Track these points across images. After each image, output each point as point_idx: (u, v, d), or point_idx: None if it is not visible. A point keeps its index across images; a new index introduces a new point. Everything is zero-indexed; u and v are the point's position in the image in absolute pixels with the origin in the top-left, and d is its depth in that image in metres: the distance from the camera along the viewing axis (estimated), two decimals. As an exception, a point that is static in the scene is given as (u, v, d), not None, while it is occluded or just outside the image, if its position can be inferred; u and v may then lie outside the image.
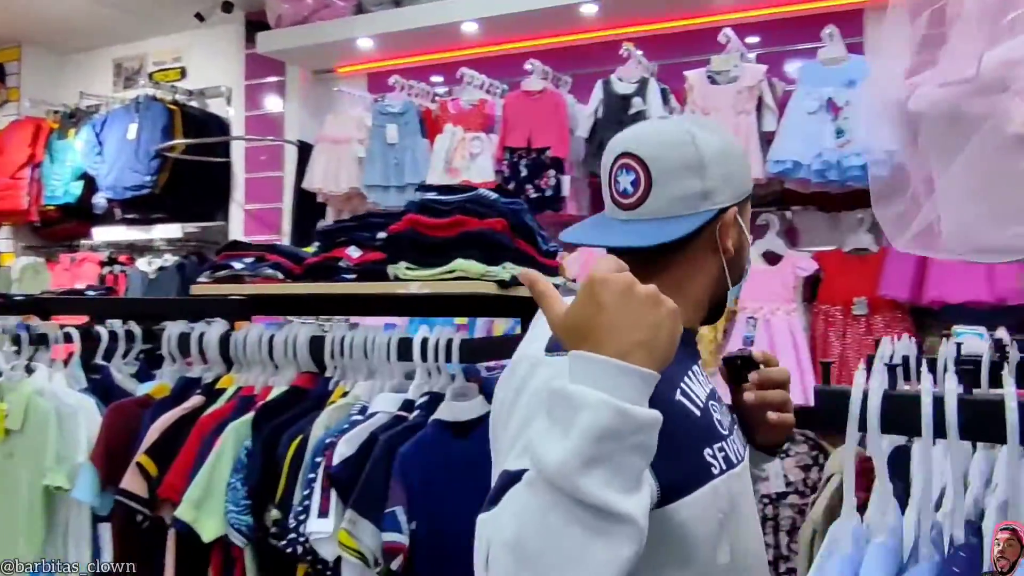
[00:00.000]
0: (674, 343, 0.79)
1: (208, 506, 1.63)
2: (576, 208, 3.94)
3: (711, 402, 1.04)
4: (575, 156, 3.92)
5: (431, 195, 1.85)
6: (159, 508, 1.72)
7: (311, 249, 2.08)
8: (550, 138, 3.84)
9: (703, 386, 1.05)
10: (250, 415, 1.70)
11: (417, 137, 4.16)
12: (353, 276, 1.94)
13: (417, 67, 4.49)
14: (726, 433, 1.03)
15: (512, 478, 0.79)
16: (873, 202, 1.59)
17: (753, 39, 3.79)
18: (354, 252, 1.96)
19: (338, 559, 1.50)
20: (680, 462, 0.92)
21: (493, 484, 0.85)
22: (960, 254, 0.98)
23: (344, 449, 1.51)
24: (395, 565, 1.43)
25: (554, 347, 0.93)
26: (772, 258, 3.56)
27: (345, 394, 1.70)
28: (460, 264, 1.72)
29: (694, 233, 1.04)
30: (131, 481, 1.71)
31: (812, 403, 1.22)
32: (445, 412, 1.57)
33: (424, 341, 1.64)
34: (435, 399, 1.61)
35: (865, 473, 0.97)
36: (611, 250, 1.03)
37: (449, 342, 1.61)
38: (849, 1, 3.69)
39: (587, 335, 0.77)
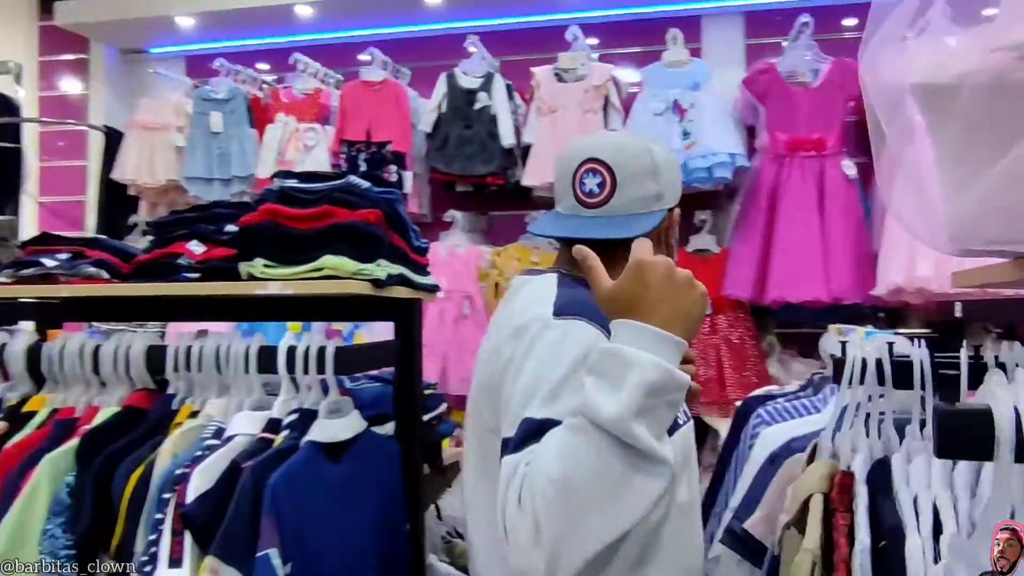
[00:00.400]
0: (701, 319, 0.94)
1: (17, 560, 1.31)
2: (417, 205, 3.77)
3: None
4: (416, 151, 3.75)
5: (291, 182, 1.62)
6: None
7: (144, 244, 1.78)
8: (391, 131, 3.64)
9: None
10: (73, 443, 1.39)
11: (244, 126, 3.81)
12: (196, 275, 1.67)
13: (243, 52, 4.13)
14: None
15: (539, 425, 0.95)
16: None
17: (592, 40, 3.77)
18: (196, 247, 1.69)
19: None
20: None
21: (513, 432, 0.99)
22: (965, 247, 0.90)
23: (200, 482, 1.25)
24: (267, 617, 1.21)
25: (561, 311, 1.11)
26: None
27: (194, 414, 1.44)
28: (329, 261, 1.51)
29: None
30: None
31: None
32: (319, 432, 1.35)
33: (291, 350, 1.41)
34: (306, 417, 1.39)
35: (844, 490, 0.89)
36: (580, 241, 1.12)
37: (322, 351, 1.40)
38: (688, 7, 3.78)
39: (633, 307, 0.92)
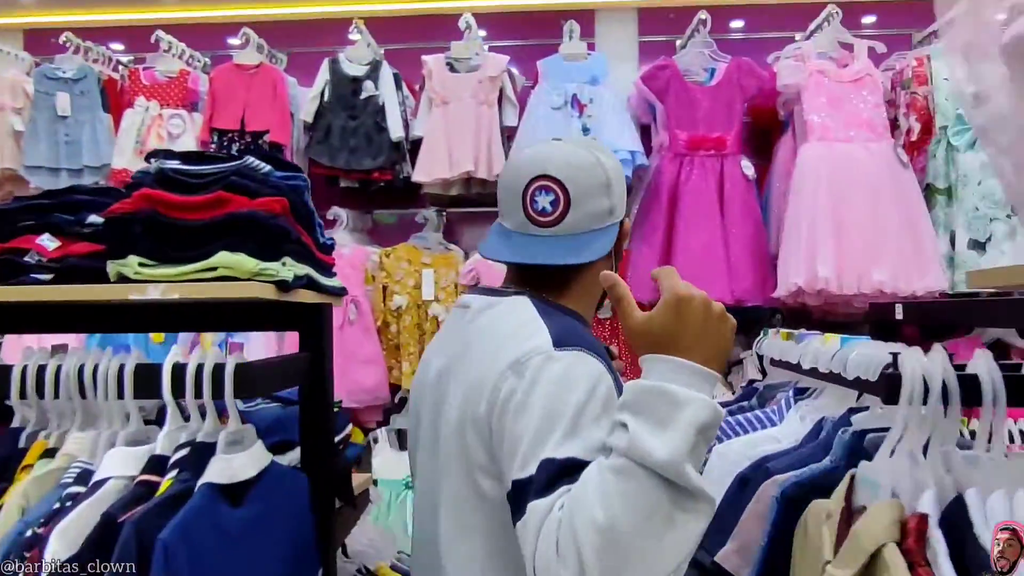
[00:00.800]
0: (731, 350, 0.94)
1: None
2: (299, 202, 3.46)
3: None
4: (295, 143, 3.45)
5: (173, 163, 1.33)
6: None
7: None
8: (268, 120, 3.32)
9: None
10: None
11: (97, 110, 3.39)
12: (49, 276, 1.35)
13: (94, 28, 3.68)
14: None
15: (561, 465, 0.91)
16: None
17: (481, 32, 3.59)
18: (49, 242, 1.37)
19: None
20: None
21: (526, 473, 0.93)
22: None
23: (60, 545, 0.96)
24: None
25: (560, 342, 1.04)
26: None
27: (50, 452, 1.13)
28: (225, 258, 1.24)
29: None
30: None
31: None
32: (218, 471, 1.09)
33: (179, 369, 1.14)
34: (200, 452, 1.12)
35: (920, 537, 0.73)
36: (540, 266, 1.17)
37: (219, 369, 1.13)
38: (579, 3, 3.66)
39: (670, 343, 0.90)
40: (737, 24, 3.84)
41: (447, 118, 3.27)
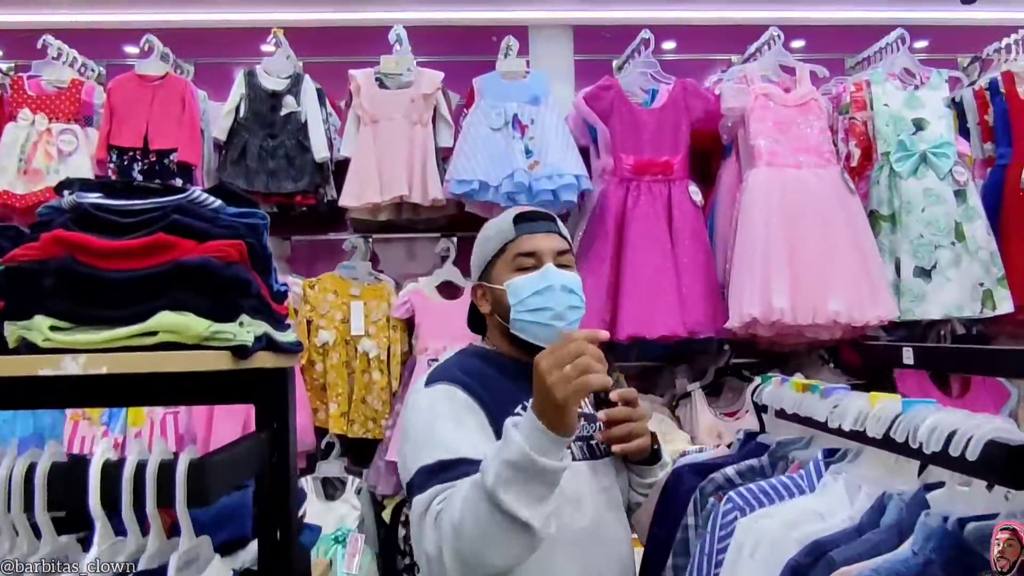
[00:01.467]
0: (564, 402, 1.11)
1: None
2: (210, 228, 3.12)
3: None
4: (206, 163, 3.12)
5: (93, 196, 1.05)
6: None
7: None
8: (176, 138, 2.99)
9: None
10: None
11: (-30, 123, 2.96)
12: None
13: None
14: None
15: (431, 468, 1.28)
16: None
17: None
18: (-79, 298, 1.06)
19: None
20: None
21: (412, 476, 1.31)
22: None
23: None
24: None
25: (429, 380, 1.44)
26: (452, 290, 3.15)
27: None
28: (167, 320, 0.97)
29: None
30: None
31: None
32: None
33: (111, 471, 0.86)
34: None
35: None
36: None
37: (166, 470, 0.86)
38: (515, 15, 3.48)
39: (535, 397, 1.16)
40: (669, 45, 3.76)
41: (377, 138, 3.02)
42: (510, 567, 1.17)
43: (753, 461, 1.52)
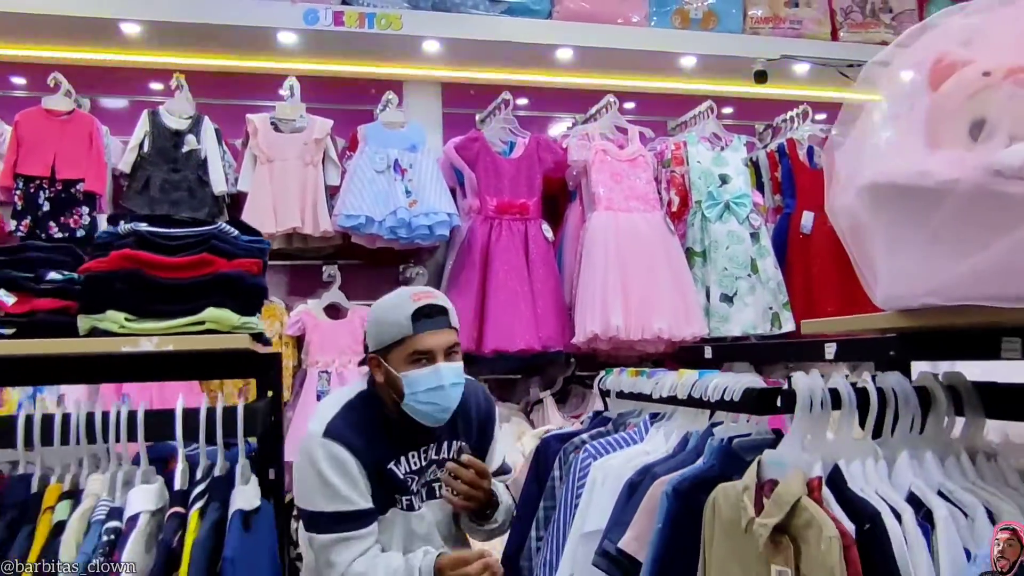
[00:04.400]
0: None
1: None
2: (109, 253, 3.38)
3: (418, 471, 1.90)
4: (109, 192, 3.39)
5: (143, 225, 1.46)
6: None
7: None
8: (82, 169, 3.25)
9: (420, 461, 1.90)
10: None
11: None
12: (11, 331, 1.40)
13: None
14: (415, 490, 1.89)
15: (332, 516, 1.63)
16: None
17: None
18: (6, 298, 1.43)
19: None
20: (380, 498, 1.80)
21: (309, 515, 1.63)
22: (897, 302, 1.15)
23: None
24: None
25: (324, 432, 1.65)
26: (336, 311, 3.57)
27: (67, 494, 1.21)
28: (212, 313, 1.40)
29: None
30: None
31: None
32: (244, 501, 1.25)
33: (191, 415, 1.28)
34: (218, 486, 1.26)
35: (817, 490, 1.10)
36: None
37: (230, 411, 1.29)
38: (389, 74, 3.96)
39: None
40: (523, 102, 4.36)
41: (272, 175, 3.41)
42: None
43: (600, 428, 2.07)
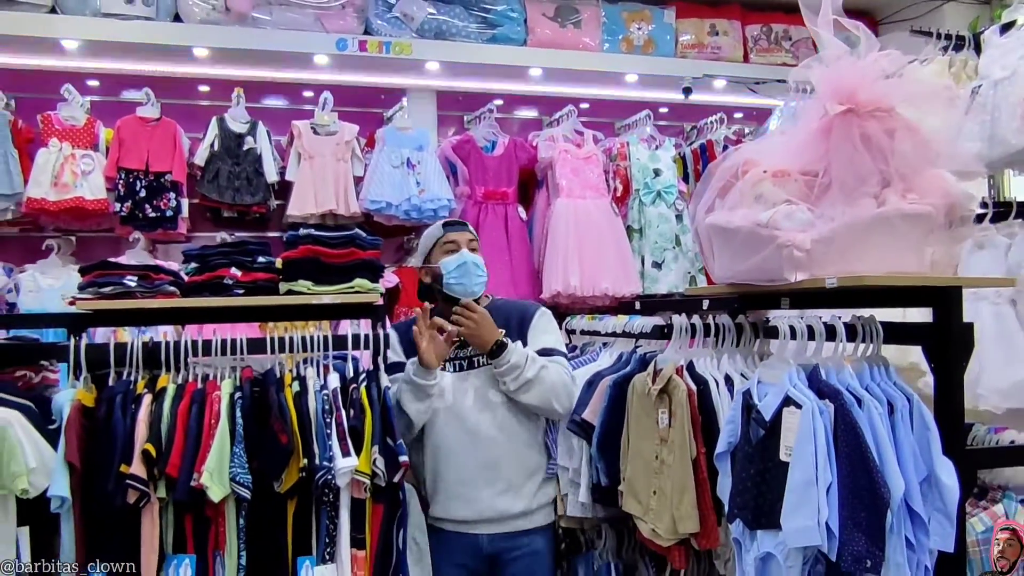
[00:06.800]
0: (423, 359, 2.35)
1: (218, 474, 2.09)
2: (186, 227, 4.38)
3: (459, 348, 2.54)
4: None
5: (311, 230, 2.54)
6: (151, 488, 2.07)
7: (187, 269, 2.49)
8: (169, 163, 4.23)
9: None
10: (228, 402, 2.17)
11: (8, 145, 4.03)
12: (242, 291, 2.48)
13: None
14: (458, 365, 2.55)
15: (388, 366, 2.42)
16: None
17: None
18: (236, 272, 2.49)
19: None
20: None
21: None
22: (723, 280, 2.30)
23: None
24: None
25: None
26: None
27: (298, 378, 2.31)
28: (359, 282, 2.50)
29: None
30: (138, 467, 2.02)
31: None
32: (384, 382, 2.36)
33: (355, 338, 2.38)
34: (372, 375, 2.37)
35: (681, 371, 2.27)
36: None
37: (387, 338, 2.40)
38: (394, 84, 4.99)
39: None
40: (498, 103, 5.42)
41: (312, 169, 4.44)
42: (404, 432, 2.33)
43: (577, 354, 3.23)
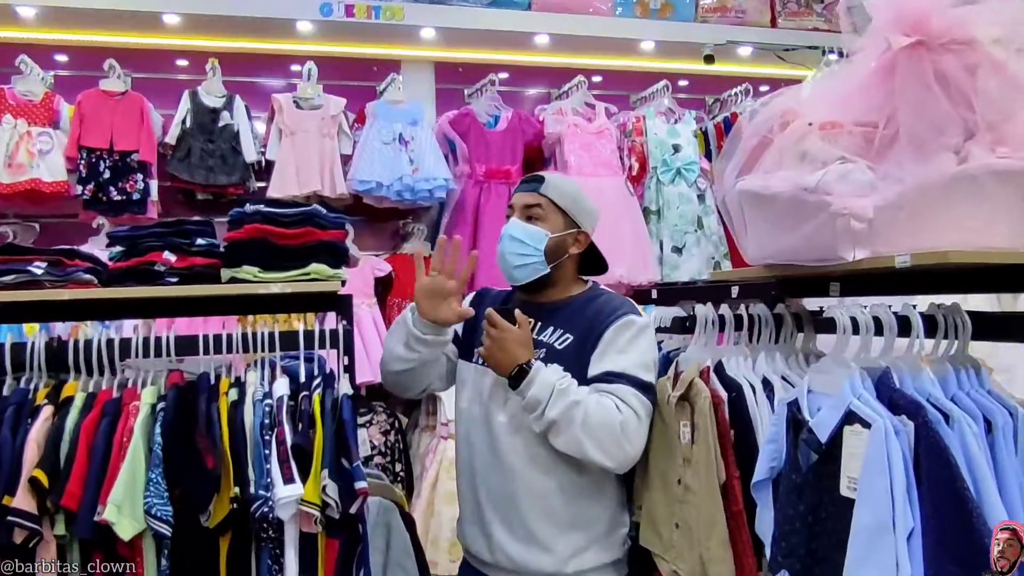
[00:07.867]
0: (424, 315, 1.87)
1: (129, 506, 1.68)
2: (157, 211, 3.98)
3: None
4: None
5: (265, 208, 2.12)
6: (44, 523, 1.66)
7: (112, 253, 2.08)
8: (136, 142, 3.83)
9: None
10: (147, 415, 1.76)
11: (-42, 124, 3.65)
12: (176, 279, 2.06)
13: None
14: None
15: None
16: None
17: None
18: (170, 256, 2.08)
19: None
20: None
21: None
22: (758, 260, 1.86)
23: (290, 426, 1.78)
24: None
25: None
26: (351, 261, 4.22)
27: (236, 384, 1.89)
28: (315, 268, 2.07)
29: None
30: (23, 499, 1.62)
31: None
32: (344, 387, 1.94)
33: (309, 334, 1.96)
34: (329, 379, 1.95)
35: (707, 375, 1.82)
36: None
37: (334, 334, 1.97)
38: (389, 55, 4.56)
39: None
40: (503, 76, 4.98)
41: (295, 146, 4.02)
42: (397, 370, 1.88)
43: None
